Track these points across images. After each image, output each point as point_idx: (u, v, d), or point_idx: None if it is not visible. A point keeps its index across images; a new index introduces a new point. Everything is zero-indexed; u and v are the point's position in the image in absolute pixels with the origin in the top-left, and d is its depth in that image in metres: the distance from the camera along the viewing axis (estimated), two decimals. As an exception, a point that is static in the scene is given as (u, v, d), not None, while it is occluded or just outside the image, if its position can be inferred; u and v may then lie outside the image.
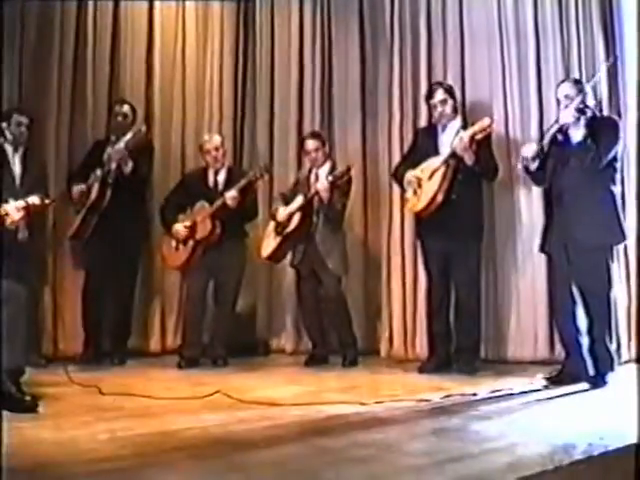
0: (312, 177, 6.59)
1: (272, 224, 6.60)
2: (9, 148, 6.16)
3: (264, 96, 7.89)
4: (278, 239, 6.53)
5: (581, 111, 5.04)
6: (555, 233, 5.18)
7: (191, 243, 6.46)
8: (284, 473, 2.91)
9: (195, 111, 7.72)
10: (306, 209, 6.42)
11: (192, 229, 6.45)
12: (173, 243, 6.55)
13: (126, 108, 6.72)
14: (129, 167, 6.40)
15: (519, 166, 5.42)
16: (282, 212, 6.51)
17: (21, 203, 4.69)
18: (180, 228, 6.48)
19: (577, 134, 5.06)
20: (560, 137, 5.14)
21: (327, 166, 6.57)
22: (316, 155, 6.57)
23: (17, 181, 6.11)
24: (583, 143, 5.03)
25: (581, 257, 5.04)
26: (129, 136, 6.41)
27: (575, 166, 5.03)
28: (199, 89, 7.78)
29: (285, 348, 7.39)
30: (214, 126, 7.63)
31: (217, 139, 6.75)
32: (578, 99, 5.13)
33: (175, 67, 7.65)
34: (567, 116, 5.05)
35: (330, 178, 6.28)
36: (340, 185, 6.36)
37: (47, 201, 5.03)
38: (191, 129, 7.61)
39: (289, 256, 6.68)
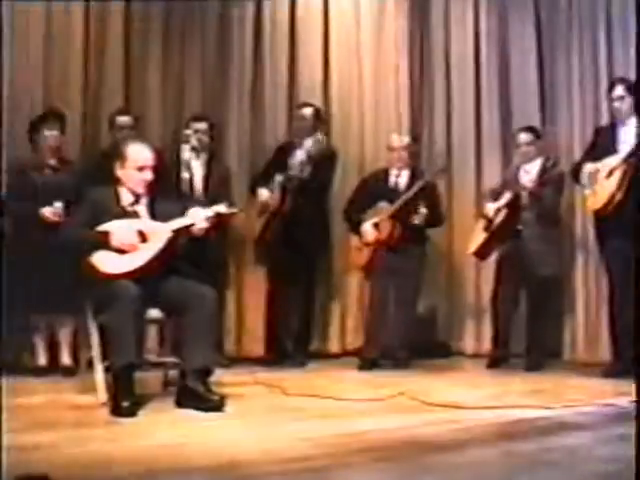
0: (521, 173, 6.42)
1: (482, 221, 6.49)
2: (191, 155, 5.98)
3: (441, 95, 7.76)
4: (485, 235, 6.41)
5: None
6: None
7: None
8: (476, 476, 2.87)
9: (375, 114, 7.57)
10: (513, 205, 6.26)
11: (376, 229, 6.40)
12: (357, 242, 6.55)
13: (306, 111, 6.67)
14: (307, 173, 6.37)
15: None
16: (490, 208, 6.40)
17: (209, 212, 4.62)
18: (368, 228, 6.40)
19: None
20: None
21: (539, 161, 6.38)
22: (527, 149, 6.43)
23: (199, 188, 6.20)
24: None
25: None
26: (309, 144, 6.37)
27: None
28: (378, 91, 7.60)
29: (465, 350, 7.34)
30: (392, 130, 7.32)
31: (406, 139, 6.74)
32: None
33: (351, 65, 7.53)
34: None
35: (538, 172, 6.21)
36: (551, 180, 6.23)
37: (234, 210, 5.03)
38: (370, 133, 7.50)
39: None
